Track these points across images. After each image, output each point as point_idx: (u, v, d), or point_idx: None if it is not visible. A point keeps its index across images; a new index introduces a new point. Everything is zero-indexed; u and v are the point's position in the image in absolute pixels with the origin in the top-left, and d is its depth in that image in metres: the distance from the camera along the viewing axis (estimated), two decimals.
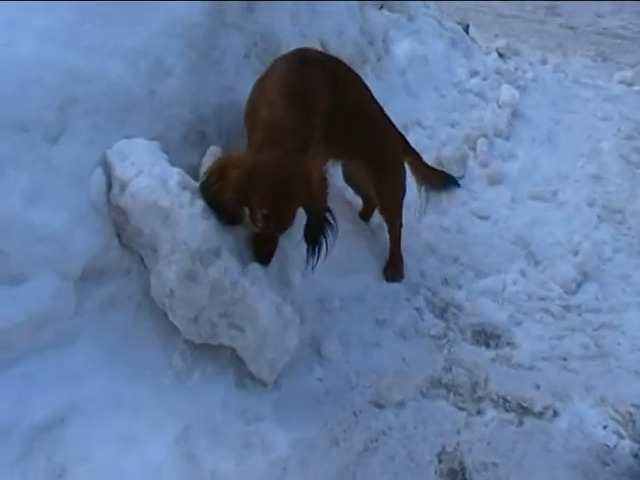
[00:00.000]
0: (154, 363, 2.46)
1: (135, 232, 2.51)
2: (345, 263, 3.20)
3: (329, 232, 2.59)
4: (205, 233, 2.42)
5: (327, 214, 2.58)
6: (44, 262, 2.35)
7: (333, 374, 2.72)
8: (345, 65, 3.11)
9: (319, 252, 2.60)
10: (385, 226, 3.46)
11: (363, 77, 4.66)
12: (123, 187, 2.47)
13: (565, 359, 3.02)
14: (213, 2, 3.12)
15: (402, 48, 5.34)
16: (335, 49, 4.34)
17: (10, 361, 2.22)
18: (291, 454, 2.34)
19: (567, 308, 3.37)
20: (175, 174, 2.51)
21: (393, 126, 3.34)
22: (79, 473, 2.11)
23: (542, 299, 3.42)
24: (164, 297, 2.45)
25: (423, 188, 3.54)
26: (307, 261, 2.60)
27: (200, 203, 2.48)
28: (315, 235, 2.57)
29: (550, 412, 2.70)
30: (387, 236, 3.45)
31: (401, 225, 3.44)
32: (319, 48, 4.18)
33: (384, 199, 3.36)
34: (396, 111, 4.61)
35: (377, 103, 3.23)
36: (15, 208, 2.32)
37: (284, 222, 2.48)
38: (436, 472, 2.42)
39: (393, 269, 3.40)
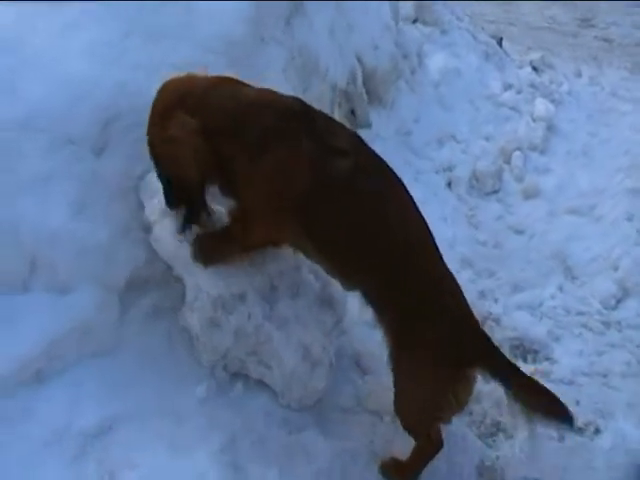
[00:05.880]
0: (196, 372, 2.49)
1: None
2: None
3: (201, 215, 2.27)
4: (228, 280, 2.36)
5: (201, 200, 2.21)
6: (89, 273, 2.41)
7: (374, 386, 2.71)
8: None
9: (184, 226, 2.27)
10: None
11: (397, 91, 4.73)
12: (149, 229, 2.47)
13: (605, 375, 3.00)
14: (253, 16, 3.13)
15: (436, 61, 5.37)
16: (371, 63, 4.38)
17: (61, 370, 2.29)
18: (334, 464, 2.36)
19: (607, 324, 3.34)
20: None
21: (459, 295, 2.25)
22: (128, 478, 2.15)
23: (581, 314, 3.39)
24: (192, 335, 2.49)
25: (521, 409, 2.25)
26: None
27: None
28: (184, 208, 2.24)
29: (592, 429, 2.69)
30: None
31: (439, 446, 2.35)
32: (355, 62, 4.23)
33: (401, 397, 2.29)
34: (430, 125, 4.69)
35: (428, 231, 2.26)
36: (62, 220, 2.39)
37: None
38: None
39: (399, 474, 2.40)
